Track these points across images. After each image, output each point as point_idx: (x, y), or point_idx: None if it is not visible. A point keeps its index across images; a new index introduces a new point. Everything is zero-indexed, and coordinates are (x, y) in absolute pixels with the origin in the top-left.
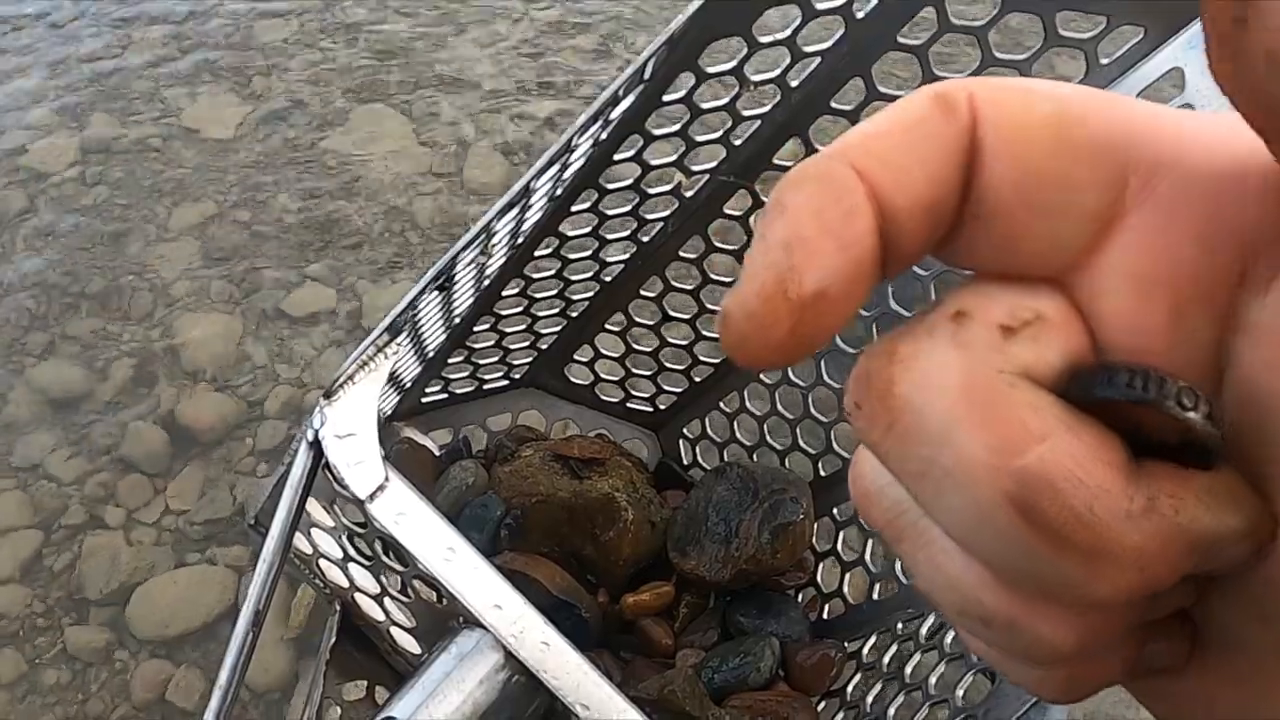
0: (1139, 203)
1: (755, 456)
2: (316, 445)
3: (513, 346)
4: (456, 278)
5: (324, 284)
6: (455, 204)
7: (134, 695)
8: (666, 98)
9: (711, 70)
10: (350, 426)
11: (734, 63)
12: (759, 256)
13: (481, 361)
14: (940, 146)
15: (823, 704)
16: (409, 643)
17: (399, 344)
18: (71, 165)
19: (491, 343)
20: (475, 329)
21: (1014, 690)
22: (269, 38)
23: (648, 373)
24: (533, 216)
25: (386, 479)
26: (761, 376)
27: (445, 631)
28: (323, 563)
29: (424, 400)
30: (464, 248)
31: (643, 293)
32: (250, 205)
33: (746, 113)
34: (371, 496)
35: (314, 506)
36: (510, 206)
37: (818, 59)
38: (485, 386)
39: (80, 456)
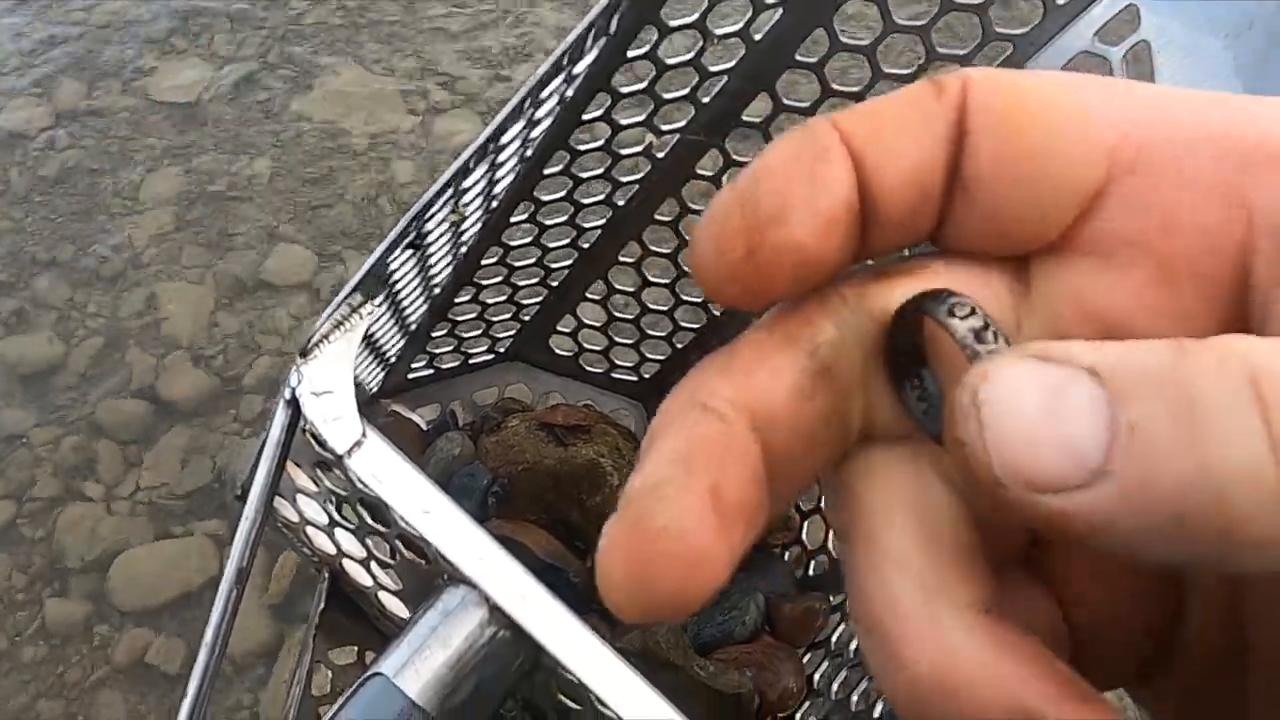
0: (1127, 172)
1: None
2: (294, 403)
3: (495, 318)
4: (430, 237)
5: (302, 251)
6: (436, 165)
7: (114, 662)
8: (631, 53)
9: (674, 23)
10: (327, 384)
11: (696, 15)
12: (727, 188)
13: (465, 335)
14: (925, 118)
15: (808, 655)
16: (396, 606)
17: (376, 305)
18: (41, 132)
19: (474, 315)
20: (457, 300)
21: None
22: None
23: (630, 341)
24: (505, 178)
25: (364, 435)
26: None
27: (431, 591)
28: (309, 530)
29: (410, 376)
30: (431, 200)
31: (621, 258)
32: (223, 171)
33: (713, 68)
34: (349, 452)
35: (298, 473)
36: (478, 160)
37: (780, 9)
38: (470, 361)
39: (55, 427)
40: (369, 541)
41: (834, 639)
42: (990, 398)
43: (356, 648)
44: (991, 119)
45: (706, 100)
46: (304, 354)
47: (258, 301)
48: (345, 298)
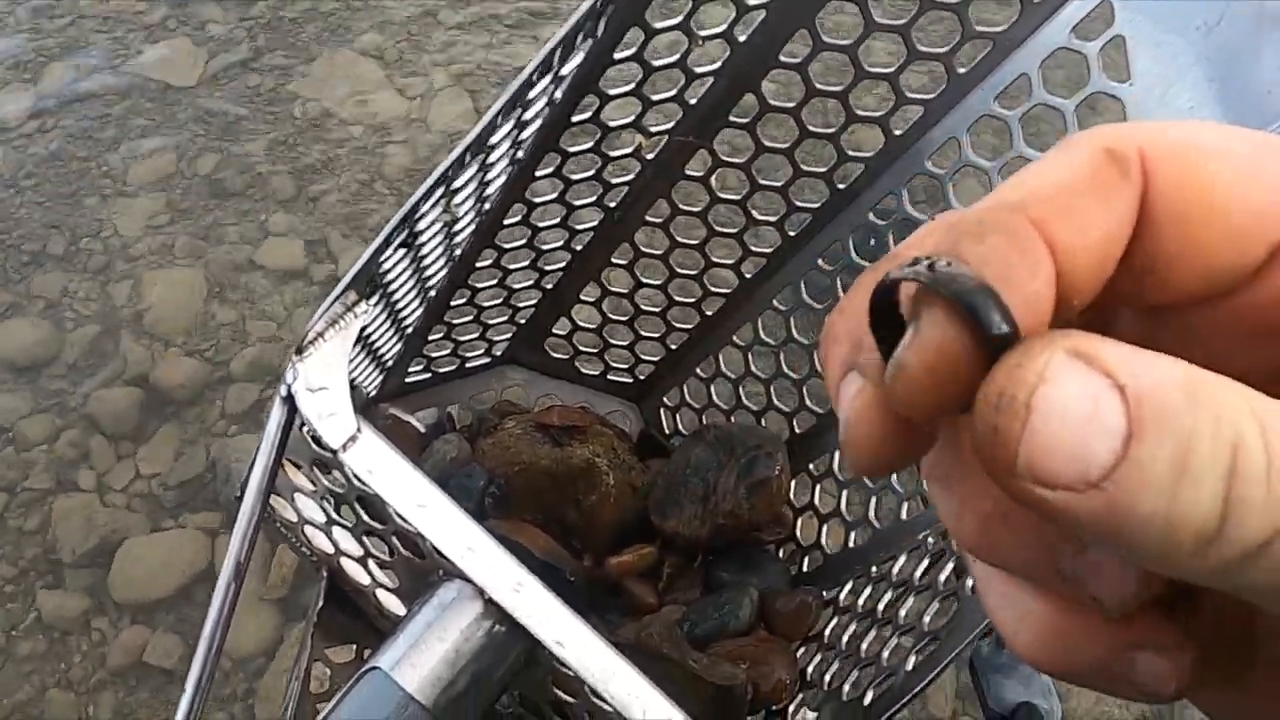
0: None
1: (733, 419)
2: (290, 400)
3: (491, 321)
4: (423, 237)
5: (294, 237)
6: (429, 151)
7: (110, 660)
8: (618, 55)
9: (659, 25)
10: (322, 381)
11: (680, 17)
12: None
13: (462, 338)
14: (1116, 206)
15: (801, 649)
16: (394, 604)
17: (371, 304)
18: (29, 118)
19: (470, 318)
20: (453, 303)
21: (974, 614)
22: None
23: (625, 343)
24: (496, 179)
25: (359, 430)
26: (734, 339)
27: (427, 587)
28: (308, 529)
29: (407, 380)
30: (421, 199)
31: (614, 260)
32: (215, 156)
33: (699, 69)
34: (344, 446)
35: (296, 473)
36: (469, 157)
37: (763, 11)
38: (467, 364)
39: (48, 419)
40: (366, 540)
41: (827, 633)
42: (1042, 404)
43: (355, 645)
44: (1177, 209)
45: (694, 101)
46: (299, 351)
47: (251, 289)
48: (339, 295)
